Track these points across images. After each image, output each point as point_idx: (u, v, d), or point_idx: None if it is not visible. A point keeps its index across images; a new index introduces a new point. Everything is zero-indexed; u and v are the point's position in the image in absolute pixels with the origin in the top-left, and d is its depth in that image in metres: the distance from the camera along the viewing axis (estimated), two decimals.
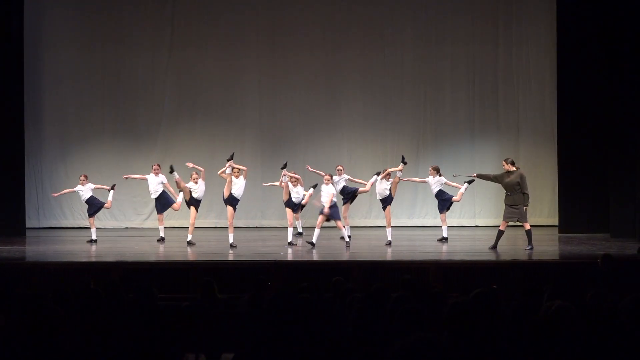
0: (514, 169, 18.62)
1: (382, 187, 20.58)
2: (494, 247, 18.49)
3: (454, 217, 24.30)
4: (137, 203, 25.59)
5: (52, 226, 25.55)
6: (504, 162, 18.86)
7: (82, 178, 21.28)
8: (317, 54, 25.82)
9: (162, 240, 20.88)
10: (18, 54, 23.56)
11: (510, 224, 18.87)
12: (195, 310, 10.69)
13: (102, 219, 25.25)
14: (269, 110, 25.97)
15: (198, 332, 10.45)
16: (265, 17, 25.85)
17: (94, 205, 21.17)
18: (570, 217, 22.90)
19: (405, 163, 20.83)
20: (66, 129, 25.76)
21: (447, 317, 6.43)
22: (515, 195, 18.48)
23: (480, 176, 19.54)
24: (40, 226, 25.45)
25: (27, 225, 23.96)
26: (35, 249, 20.57)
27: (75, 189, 21.41)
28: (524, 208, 18.52)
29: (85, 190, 21.10)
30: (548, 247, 20.17)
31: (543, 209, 25.66)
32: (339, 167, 21.49)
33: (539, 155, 25.67)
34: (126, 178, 22.06)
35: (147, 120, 25.92)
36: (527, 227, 18.54)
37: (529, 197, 18.69)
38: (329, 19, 25.78)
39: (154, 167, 21.38)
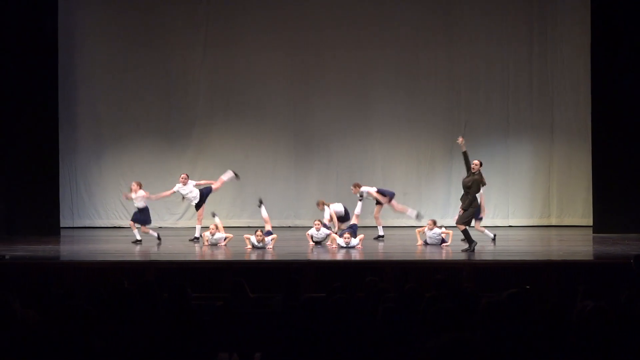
0: (478, 171, 18.39)
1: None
2: (492, 240, 18.49)
3: (487, 216, 24.20)
4: (171, 202, 25.60)
5: (86, 226, 25.66)
6: (478, 163, 18.59)
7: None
8: (350, 53, 25.76)
9: (196, 240, 20.95)
10: (52, 54, 23.69)
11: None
12: (229, 310, 10.71)
13: None
14: (303, 110, 25.96)
15: (231, 331, 10.48)
16: (298, 16, 25.84)
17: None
18: (605, 217, 22.73)
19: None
20: (100, 129, 25.86)
21: (481, 317, 6.42)
22: (465, 197, 18.36)
23: (465, 153, 18.80)
24: (75, 225, 25.56)
25: (61, 225, 24.05)
26: (70, 249, 20.68)
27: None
28: (466, 211, 18.27)
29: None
30: (582, 247, 20.10)
31: (577, 209, 25.54)
32: (352, 188, 21.41)
33: (573, 155, 25.54)
34: (155, 199, 21.71)
35: (181, 119, 25.98)
36: (462, 228, 18.40)
37: (473, 202, 18.35)
38: (363, 19, 25.74)
39: (182, 176, 21.29)
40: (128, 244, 20.48)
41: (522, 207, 25.53)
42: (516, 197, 25.55)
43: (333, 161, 25.72)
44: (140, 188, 20.88)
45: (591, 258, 17.62)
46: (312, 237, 20.12)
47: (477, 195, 18.53)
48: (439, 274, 12.54)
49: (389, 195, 21.48)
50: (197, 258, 18.54)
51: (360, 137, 25.78)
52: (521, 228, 24.20)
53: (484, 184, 18.78)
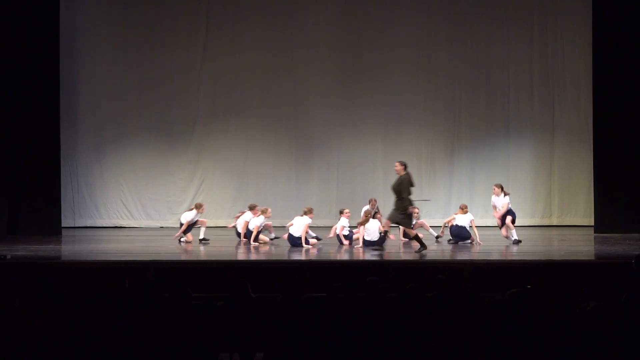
0: (403, 172, 17.97)
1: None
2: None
3: (488, 216, 24.15)
4: (172, 202, 25.64)
5: (88, 225, 25.65)
6: (397, 164, 18.13)
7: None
8: (351, 53, 25.78)
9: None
10: (54, 54, 23.67)
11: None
12: (230, 310, 10.71)
13: (137, 218, 25.41)
14: (303, 109, 25.96)
15: (232, 331, 10.47)
16: (299, 16, 25.85)
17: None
18: (606, 217, 22.70)
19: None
20: (101, 129, 25.87)
21: (482, 317, 6.41)
22: (397, 199, 17.97)
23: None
24: (76, 225, 25.55)
25: (62, 225, 24.04)
26: (71, 248, 20.66)
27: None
28: (406, 213, 17.96)
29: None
30: (583, 247, 20.07)
31: (578, 208, 25.53)
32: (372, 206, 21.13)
33: (574, 154, 25.53)
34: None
35: (182, 119, 25.98)
36: (412, 233, 18.27)
37: (406, 201, 17.87)
38: (364, 19, 25.73)
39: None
40: (129, 244, 20.47)
41: (524, 207, 25.47)
42: (517, 197, 25.44)
43: (334, 160, 25.71)
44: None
45: (592, 258, 17.58)
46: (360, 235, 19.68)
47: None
48: (440, 273, 12.51)
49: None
50: (198, 258, 18.53)
51: (361, 137, 25.77)
52: (522, 228, 24.12)
53: (406, 184, 18.00)
